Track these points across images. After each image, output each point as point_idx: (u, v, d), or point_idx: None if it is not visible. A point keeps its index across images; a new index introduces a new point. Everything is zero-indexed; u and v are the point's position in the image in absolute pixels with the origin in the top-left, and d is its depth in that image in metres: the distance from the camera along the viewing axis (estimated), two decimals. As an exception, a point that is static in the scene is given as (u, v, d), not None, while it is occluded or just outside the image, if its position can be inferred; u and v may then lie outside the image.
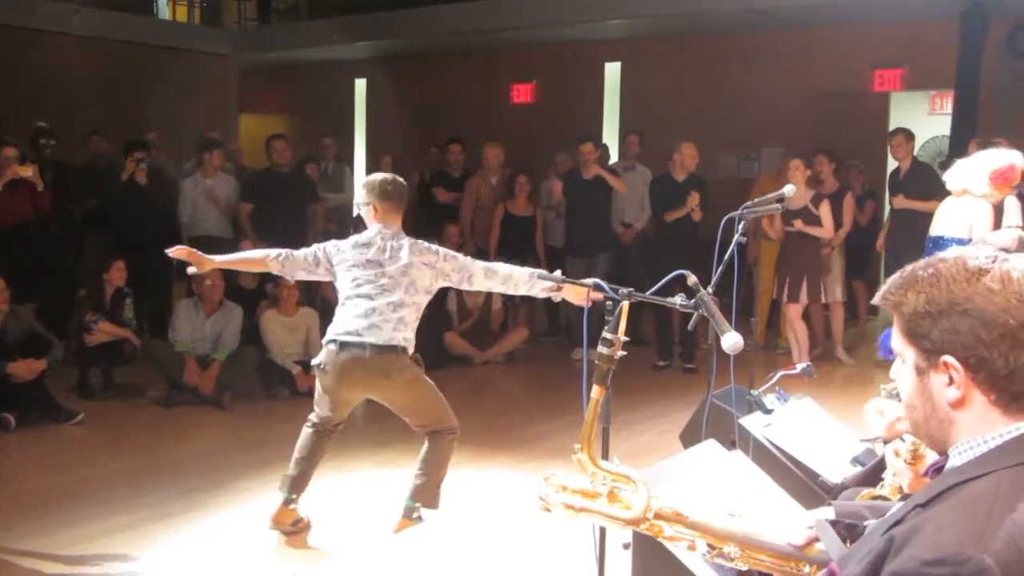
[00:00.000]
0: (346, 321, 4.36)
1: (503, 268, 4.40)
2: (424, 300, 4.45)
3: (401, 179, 4.61)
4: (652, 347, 8.62)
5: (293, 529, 4.55)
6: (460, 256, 4.50)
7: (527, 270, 4.39)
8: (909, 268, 1.53)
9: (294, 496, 4.55)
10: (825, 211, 7.91)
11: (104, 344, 7.23)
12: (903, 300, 1.51)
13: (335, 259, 4.45)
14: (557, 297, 4.28)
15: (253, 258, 4.71)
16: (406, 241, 4.43)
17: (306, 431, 4.62)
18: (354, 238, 4.52)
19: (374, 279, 4.36)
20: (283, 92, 16.01)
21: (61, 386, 7.01)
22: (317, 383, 4.51)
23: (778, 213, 6.84)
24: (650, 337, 8.96)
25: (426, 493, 4.54)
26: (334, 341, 4.35)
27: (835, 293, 8.47)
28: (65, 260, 8.58)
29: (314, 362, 4.48)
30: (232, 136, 13.84)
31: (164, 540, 4.48)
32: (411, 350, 4.41)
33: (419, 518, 4.52)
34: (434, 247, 4.51)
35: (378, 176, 4.60)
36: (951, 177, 5.89)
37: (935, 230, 6.13)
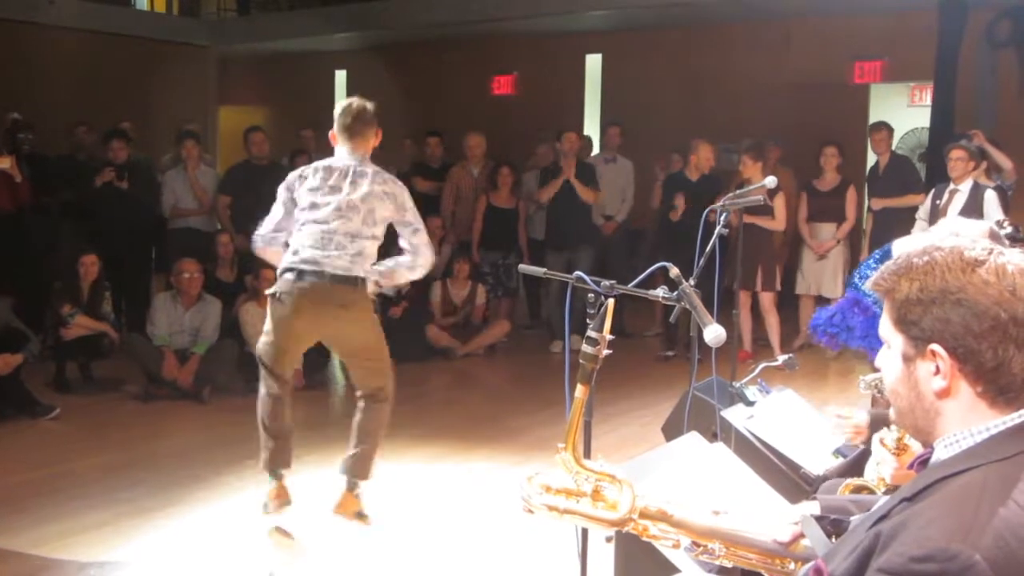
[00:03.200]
0: (303, 249, 4.26)
1: (405, 262, 4.41)
2: (380, 234, 4.38)
3: (366, 104, 4.42)
4: (637, 338, 8.63)
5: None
6: (417, 224, 4.43)
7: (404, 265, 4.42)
8: (903, 255, 1.51)
9: (285, 484, 4.49)
10: (779, 204, 8.00)
11: (82, 338, 7.15)
12: (896, 287, 1.50)
13: (297, 186, 4.36)
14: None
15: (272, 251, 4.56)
16: (370, 169, 4.35)
17: (261, 398, 4.51)
18: (318, 163, 4.43)
19: (333, 204, 4.26)
20: (263, 83, 15.90)
21: (37, 381, 6.93)
22: (268, 318, 4.40)
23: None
24: (633, 329, 8.97)
25: (364, 465, 4.50)
26: (291, 270, 4.25)
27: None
28: (41, 253, 8.49)
29: (269, 291, 4.38)
30: (211, 127, 13.74)
31: (141, 536, 4.43)
32: (370, 285, 4.33)
33: (358, 494, 4.51)
34: (392, 176, 4.46)
35: (342, 102, 4.47)
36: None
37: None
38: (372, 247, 4.34)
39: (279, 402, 4.50)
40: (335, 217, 4.26)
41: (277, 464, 4.47)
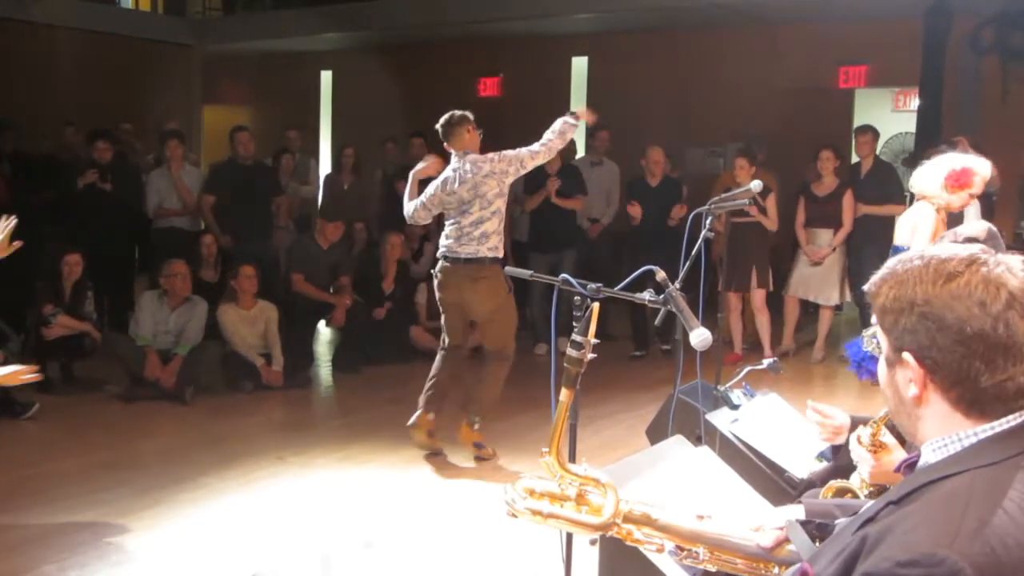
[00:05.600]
0: (445, 241, 5.57)
1: (540, 142, 5.58)
2: (502, 203, 5.53)
3: (455, 112, 5.55)
4: (622, 341, 8.62)
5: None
6: (508, 151, 5.49)
7: (557, 123, 5.61)
8: (895, 259, 1.52)
9: (430, 416, 5.56)
10: (771, 203, 8.05)
11: (63, 337, 7.10)
12: (878, 292, 1.51)
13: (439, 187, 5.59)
14: None
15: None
16: (468, 163, 5.48)
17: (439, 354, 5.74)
18: (444, 175, 5.63)
19: (455, 204, 5.51)
20: (248, 83, 15.84)
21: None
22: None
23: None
24: (617, 332, 8.96)
25: (484, 407, 5.70)
26: (442, 257, 5.59)
27: (830, 297, 8.32)
28: (21, 252, 8.41)
29: (433, 271, 5.69)
30: (196, 126, 13.69)
31: (123, 538, 4.39)
32: (500, 257, 5.56)
33: (479, 429, 5.63)
34: (488, 156, 5.49)
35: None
36: (913, 181, 5.86)
37: (895, 238, 6.05)
38: (495, 223, 5.50)
39: (446, 361, 5.70)
40: (458, 214, 5.50)
41: (430, 404, 5.58)
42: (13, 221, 4.78)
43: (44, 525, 4.50)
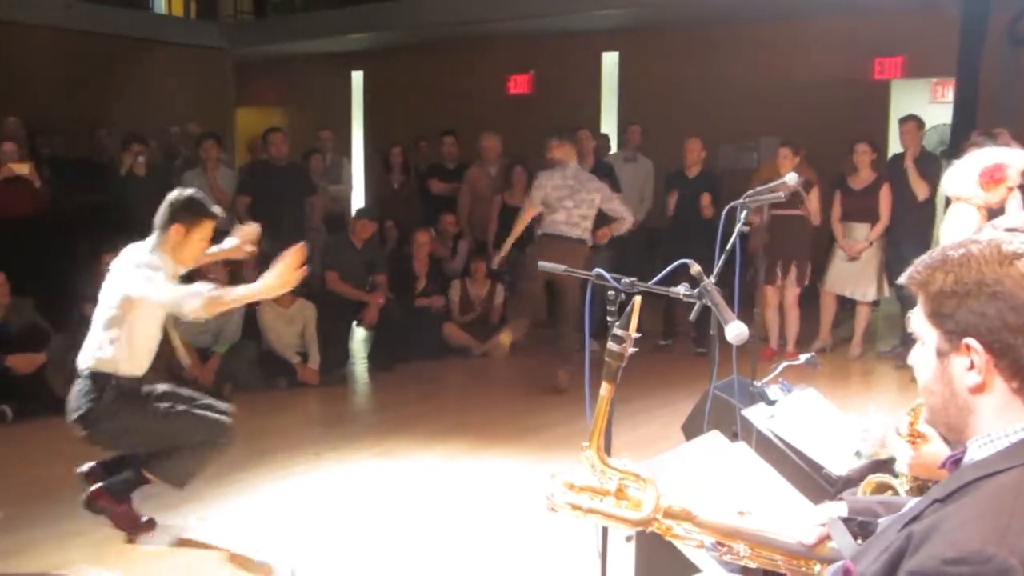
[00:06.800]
0: (552, 222, 7.15)
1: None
2: (594, 212, 7.22)
3: (565, 129, 7.52)
4: (651, 337, 8.59)
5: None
6: (616, 199, 7.47)
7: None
8: (939, 249, 1.48)
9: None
10: (814, 198, 7.99)
11: (103, 337, 7.17)
12: (930, 280, 1.47)
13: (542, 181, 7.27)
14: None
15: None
16: (584, 174, 7.37)
17: None
18: (553, 172, 7.25)
19: (570, 196, 7.11)
20: (279, 85, 15.95)
21: (61, 379, 6.95)
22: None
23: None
24: (647, 326, 8.91)
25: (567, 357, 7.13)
26: (546, 234, 7.15)
27: (867, 292, 8.22)
28: (59, 254, 8.54)
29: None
30: (228, 129, 13.78)
31: (162, 531, 4.44)
32: (589, 242, 7.26)
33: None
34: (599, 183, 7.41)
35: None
36: (946, 185, 5.77)
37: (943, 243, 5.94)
38: (590, 220, 7.22)
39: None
40: (572, 205, 7.12)
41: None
42: (255, 227, 4.95)
43: (85, 518, 4.55)
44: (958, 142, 8.27)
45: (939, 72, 11.00)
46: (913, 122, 8.24)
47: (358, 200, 12.93)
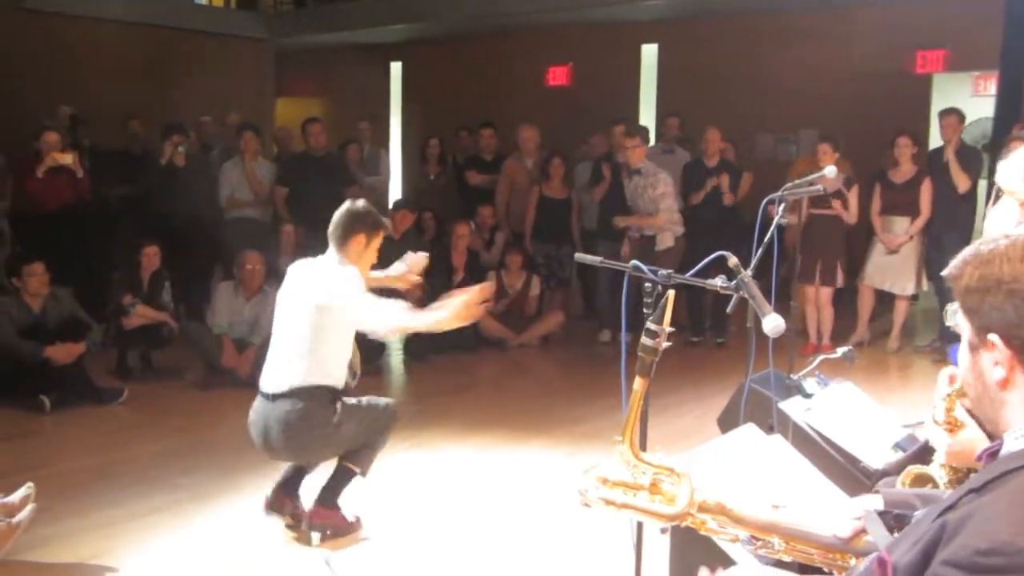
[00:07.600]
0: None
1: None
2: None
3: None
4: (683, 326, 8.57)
5: None
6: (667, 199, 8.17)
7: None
8: (976, 243, 1.49)
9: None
10: (853, 195, 7.91)
11: (142, 327, 7.28)
12: (961, 274, 1.48)
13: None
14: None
15: None
16: (641, 167, 8.15)
17: None
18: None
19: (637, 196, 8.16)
20: (319, 76, 16.02)
21: (100, 369, 7.07)
22: None
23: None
24: (681, 320, 8.89)
25: None
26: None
27: (905, 287, 8.13)
28: (99, 244, 8.65)
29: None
30: (268, 119, 13.87)
31: (200, 521, 4.50)
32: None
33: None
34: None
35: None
36: (998, 177, 5.68)
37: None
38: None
39: None
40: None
41: None
42: (423, 257, 4.99)
43: (124, 508, 4.63)
44: (1000, 136, 8.14)
45: (981, 65, 10.81)
46: (954, 115, 8.13)
47: (395, 192, 12.98)
